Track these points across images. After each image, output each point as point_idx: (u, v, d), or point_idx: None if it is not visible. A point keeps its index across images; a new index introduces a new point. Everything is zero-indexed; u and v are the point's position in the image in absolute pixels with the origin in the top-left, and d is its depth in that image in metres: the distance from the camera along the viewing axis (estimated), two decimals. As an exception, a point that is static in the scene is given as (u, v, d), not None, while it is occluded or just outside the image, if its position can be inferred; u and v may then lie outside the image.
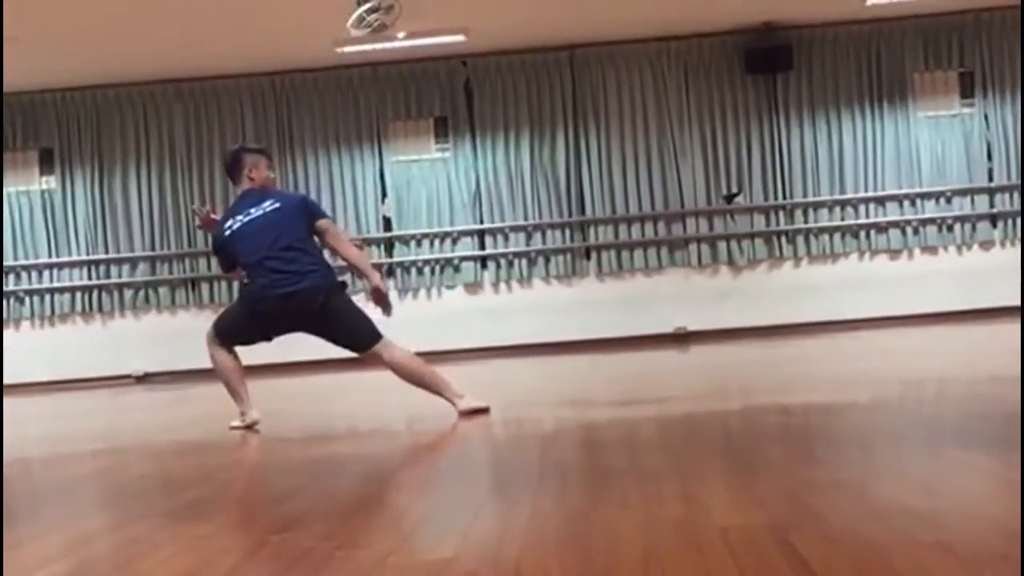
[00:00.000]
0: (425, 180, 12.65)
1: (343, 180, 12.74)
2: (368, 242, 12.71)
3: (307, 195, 6.06)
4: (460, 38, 11.46)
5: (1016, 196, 12.25)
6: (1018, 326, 10.42)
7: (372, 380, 10.03)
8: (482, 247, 12.63)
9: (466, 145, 12.62)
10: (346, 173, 12.75)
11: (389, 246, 12.74)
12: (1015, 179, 12.24)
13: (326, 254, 6.03)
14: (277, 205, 5.88)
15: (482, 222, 12.61)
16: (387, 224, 12.78)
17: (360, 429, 5.90)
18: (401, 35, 10.64)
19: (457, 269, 12.52)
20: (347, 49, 11.11)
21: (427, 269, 12.56)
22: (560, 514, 3.08)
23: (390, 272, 12.68)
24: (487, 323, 11.78)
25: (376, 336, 5.69)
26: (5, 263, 12.75)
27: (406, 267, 12.58)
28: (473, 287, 12.47)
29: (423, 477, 4.22)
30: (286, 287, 5.65)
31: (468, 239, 12.61)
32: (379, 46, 10.90)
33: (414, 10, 9.87)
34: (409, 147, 12.68)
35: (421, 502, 3.42)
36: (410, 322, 12.44)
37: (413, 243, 12.65)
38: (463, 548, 2.71)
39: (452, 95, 12.58)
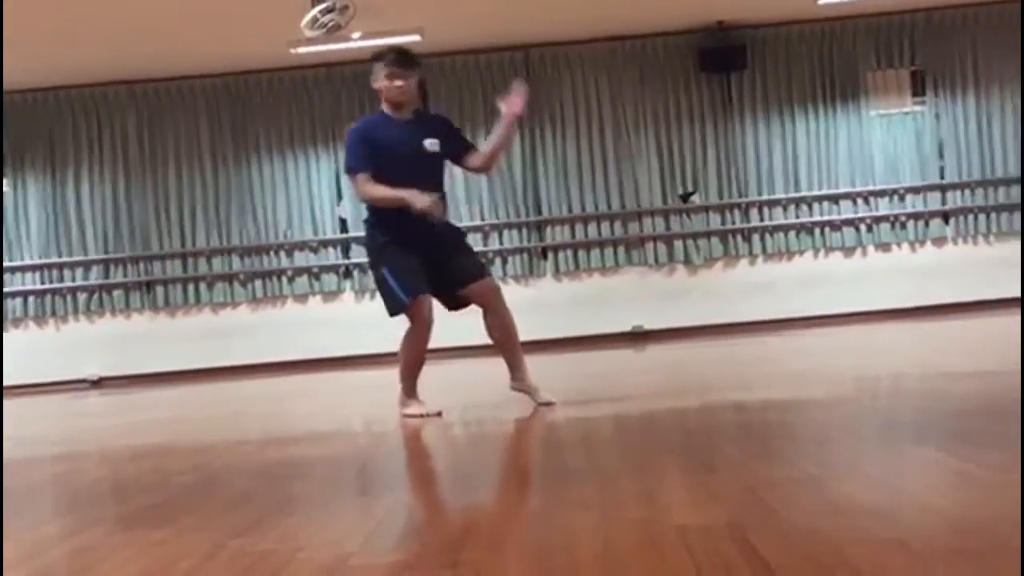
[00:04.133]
0: (378, 181, 12.58)
1: (299, 181, 12.69)
2: (324, 244, 12.67)
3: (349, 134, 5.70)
4: (415, 38, 11.42)
5: (968, 193, 12.38)
6: (971, 322, 10.53)
7: (332, 381, 10.01)
8: (439, 248, 12.59)
9: (422, 146, 12.57)
10: (301, 174, 12.70)
11: (346, 248, 12.70)
12: (966, 176, 12.37)
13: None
14: None
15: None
16: (343, 225, 12.74)
17: (319, 431, 5.87)
18: (356, 36, 10.60)
19: (414, 270, 12.47)
20: (302, 50, 11.07)
21: (384, 270, 12.49)
22: (520, 515, 3.08)
23: (347, 273, 12.63)
24: (444, 323, 11.71)
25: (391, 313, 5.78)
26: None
27: (363, 268, 12.53)
28: (430, 288, 12.44)
29: (383, 479, 4.21)
30: None
31: (425, 240, 12.55)
32: (334, 47, 10.86)
33: (369, 11, 9.84)
34: (365, 148, 12.61)
35: (381, 504, 3.41)
36: (368, 324, 12.41)
37: (370, 243, 12.59)
38: (423, 550, 2.71)
39: (408, 95, 12.52)
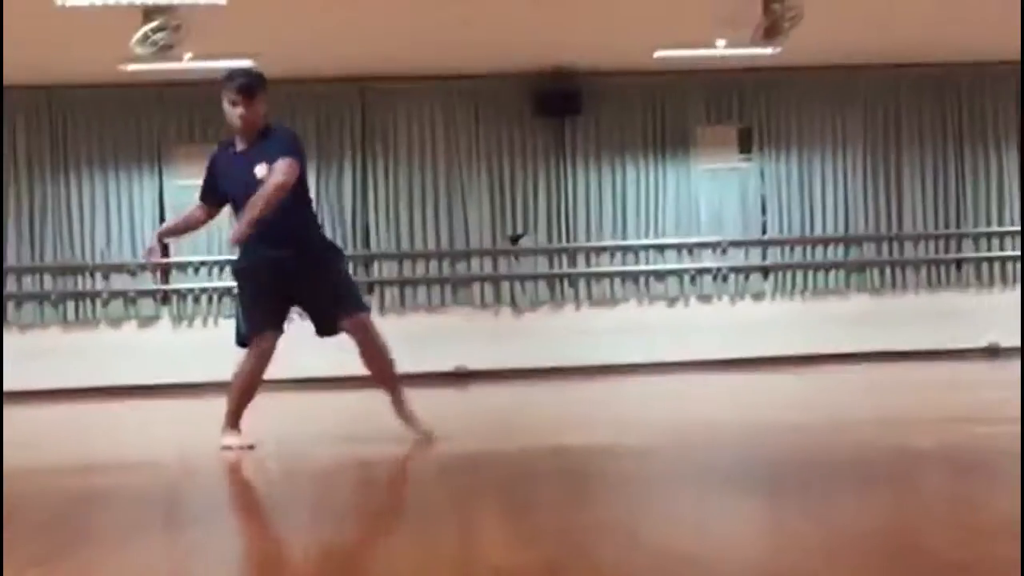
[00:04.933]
0: (207, 206, 12.32)
1: (120, 202, 12.30)
2: (144, 268, 12.32)
3: None
4: (249, 63, 11.25)
5: (788, 250, 12.73)
6: (786, 376, 10.84)
7: (145, 410, 9.72)
8: (264, 277, 12.38)
9: (251, 173, 12.36)
10: (123, 195, 12.31)
11: (166, 273, 12.37)
12: (787, 233, 12.71)
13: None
14: None
15: (264, 252, 12.35)
16: (164, 250, 12.38)
17: (127, 460, 5.68)
18: (188, 56, 10.39)
19: (236, 299, 12.25)
20: (131, 67, 10.78)
21: (204, 298, 12.23)
22: (334, 552, 3.01)
23: (165, 299, 12.29)
24: (287, 354, 11.51)
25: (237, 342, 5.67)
26: None
27: (183, 295, 12.23)
28: (252, 318, 12.23)
29: (191, 511, 4.08)
30: None
31: (249, 268, 12.34)
32: (164, 66, 10.61)
33: (202, 32, 9.64)
34: (192, 171, 12.23)
35: (188, 537, 3.29)
36: (187, 353, 12.09)
37: (191, 270, 12.32)
38: (228, 586, 2.62)
39: (239, 121, 12.31)
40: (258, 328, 5.55)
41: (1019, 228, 12.61)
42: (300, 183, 5.55)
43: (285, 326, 5.65)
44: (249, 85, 5.52)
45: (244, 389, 5.64)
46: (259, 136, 5.56)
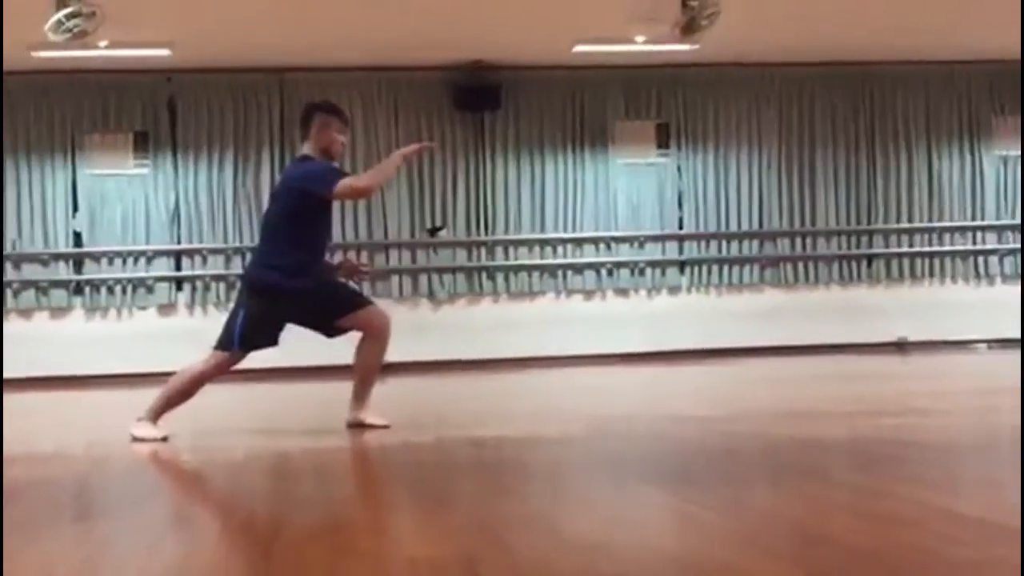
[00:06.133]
0: (121, 196, 12.17)
1: (31, 191, 12.11)
2: (56, 258, 12.13)
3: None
4: (165, 52, 11.13)
5: (703, 244, 12.88)
6: (699, 368, 10.96)
7: (56, 401, 9.58)
8: (178, 268, 12.27)
9: (167, 162, 12.24)
10: (35, 184, 12.12)
11: (79, 263, 12.19)
12: (703, 228, 12.86)
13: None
14: None
15: (179, 242, 12.25)
16: (77, 239, 12.23)
17: (37, 453, 5.60)
18: (103, 44, 10.23)
19: (151, 290, 12.13)
20: (43, 54, 10.61)
21: (118, 288, 12.08)
22: (246, 542, 3.00)
23: (78, 289, 12.11)
24: (181, 347, 11.34)
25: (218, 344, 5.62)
26: None
27: (96, 285, 12.07)
28: (167, 309, 12.11)
29: (102, 503, 4.05)
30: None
31: (164, 259, 12.23)
32: (78, 53, 10.45)
33: (119, 19, 9.51)
34: (105, 161, 12.19)
35: (100, 529, 3.27)
36: (99, 342, 11.95)
37: (105, 260, 12.15)
38: (141, 578, 2.61)
39: (155, 110, 12.18)
40: (249, 346, 5.62)
41: (992, 223, 13.03)
42: None
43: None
44: None
45: (188, 387, 5.70)
46: None
